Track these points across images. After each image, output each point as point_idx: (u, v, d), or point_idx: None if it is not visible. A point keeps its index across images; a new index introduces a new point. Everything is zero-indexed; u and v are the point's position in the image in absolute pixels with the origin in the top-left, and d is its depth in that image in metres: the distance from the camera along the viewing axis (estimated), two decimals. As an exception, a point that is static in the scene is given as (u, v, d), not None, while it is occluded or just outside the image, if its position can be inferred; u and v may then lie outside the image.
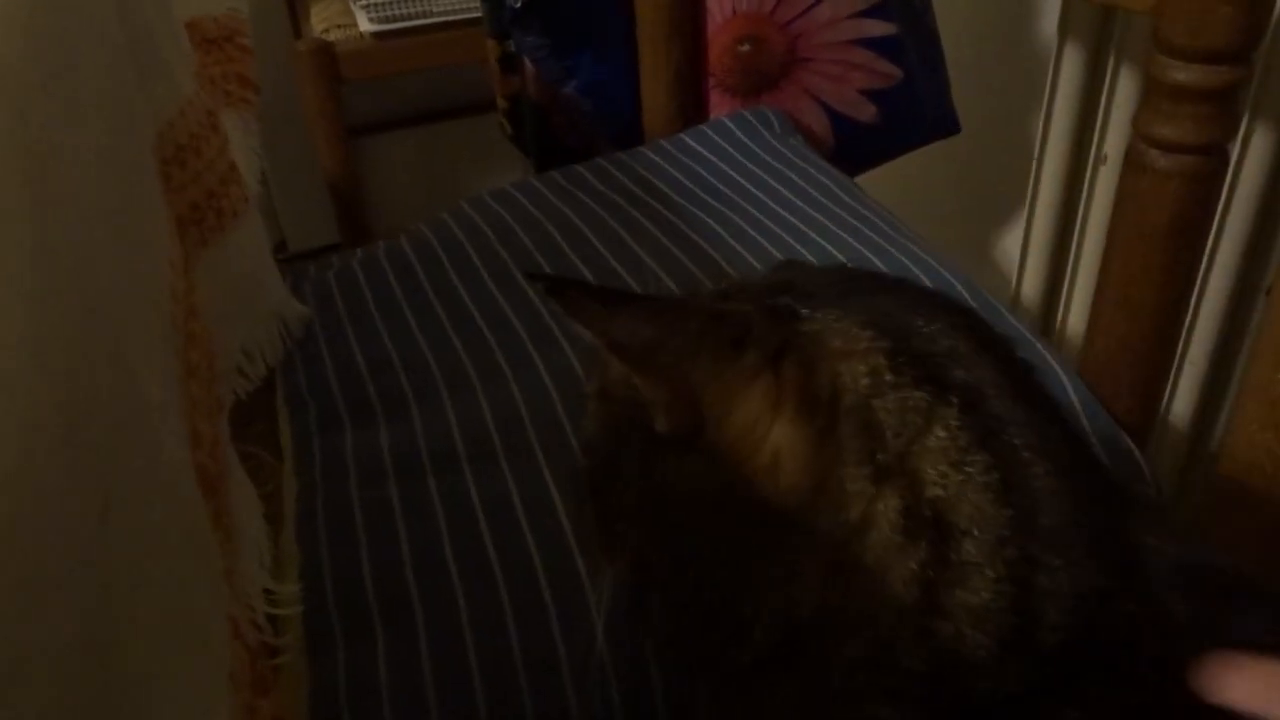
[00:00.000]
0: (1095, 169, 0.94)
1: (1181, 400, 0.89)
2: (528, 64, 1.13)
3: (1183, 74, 0.61)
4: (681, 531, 0.37)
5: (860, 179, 1.03)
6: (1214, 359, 0.86)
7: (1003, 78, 1.14)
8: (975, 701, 0.34)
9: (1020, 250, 1.05)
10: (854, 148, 1.09)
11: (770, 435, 0.35)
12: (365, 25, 1.51)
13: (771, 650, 0.36)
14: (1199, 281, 0.86)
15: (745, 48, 1.06)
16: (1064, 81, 0.93)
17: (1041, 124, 0.97)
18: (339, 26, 1.53)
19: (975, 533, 0.33)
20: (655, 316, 0.35)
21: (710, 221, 0.90)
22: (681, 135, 1.03)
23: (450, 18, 1.49)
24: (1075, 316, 0.99)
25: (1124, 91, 0.88)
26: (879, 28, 1.04)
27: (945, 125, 1.12)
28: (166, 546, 0.29)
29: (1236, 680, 0.30)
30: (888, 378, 0.35)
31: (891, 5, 1.03)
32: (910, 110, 1.09)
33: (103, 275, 0.31)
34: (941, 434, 0.34)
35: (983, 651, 0.33)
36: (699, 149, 1.01)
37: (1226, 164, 0.64)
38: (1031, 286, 1.02)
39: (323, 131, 1.62)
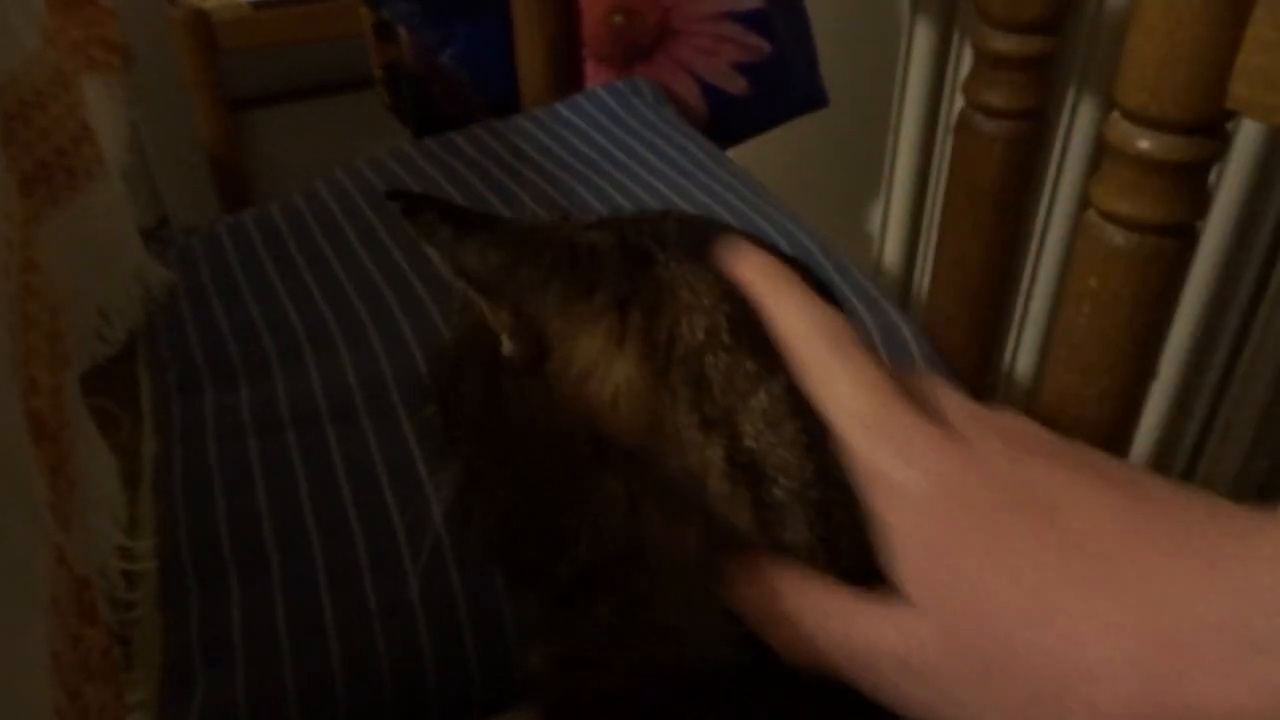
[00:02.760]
0: (945, 138, 0.98)
1: (1024, 358, 0.95)
2: (403, 32, 1.13)
3: (1002, 43, 0.65)
4: (514, 449, 0.39)
5: (732, 151, 1.06)
6: (1052, 317, 0.92)
7: (862, 51, 1.18)
8: None
9: (881, 217, 1.10)
10: (726, 120, 1.12)
11: (611, 372, 0.37)
12: (243, -6, 1.48)
13: (588, 571, 0.38)
14: (1037, 243, 0.91)
15: (618, 19, 1.08)
16: (915, 55, 0.97)
17: (896, 96, 1.01)
18: (216, -6, 1.50)
19: (782, 479, 0.36)
20: (509, 244, 0.36)
21: (582, 190, 0.92)
22: (556, 105, 1.05)
23: (331, -13, 1.47)
24: (930, 277, 1.04)
25: (969, 65, 0.93)
26: (747, 2, 1.07)
27: (814, 99, 1.16)
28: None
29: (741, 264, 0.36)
30: (725, 339, 0.37)
31: (758, -20, 1.06)
32: (780, 84, 1.13)
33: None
34: (763, 398, 0.36)
35: None
36: (573, 118, 1.03)
37: (1046, 129, 0.69)
38: (892, 251, 1.07)
39: (201, 104, 1.59)
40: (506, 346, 0.37)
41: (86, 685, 0.35)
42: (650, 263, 0.38)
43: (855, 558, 0.36)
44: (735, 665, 0.37)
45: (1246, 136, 0.71)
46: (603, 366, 0.37)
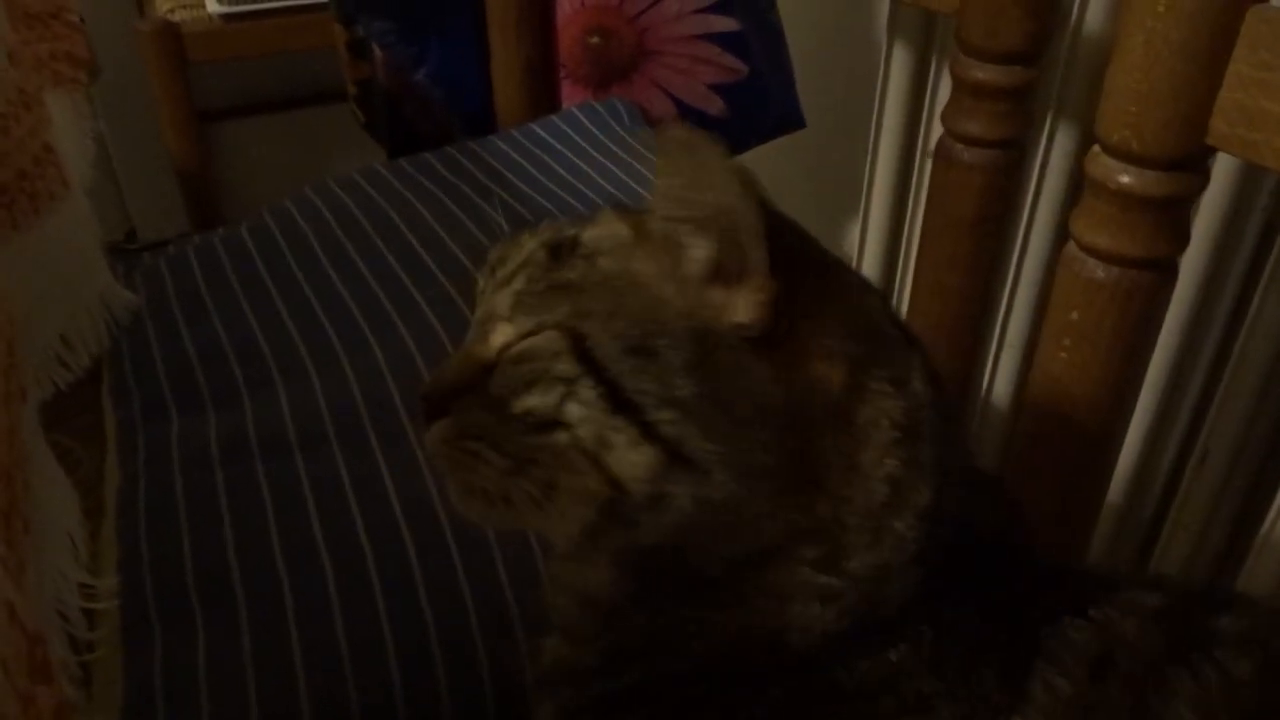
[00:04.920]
0: (923, 163, 0.98)
1: (1001, 386, 0.95)
2: (377, 50, 1.11)
3: (981, 73, 0.65)
4: (736, 423, 0.39)
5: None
6: (1029, 346, 0.92)
7: (841, 75, 1.18)
8: (883, 606, 0.39)
9: (859, 241, 1.09)
10: (703, 140, 1.11)
11: (835, 352, 0.40)
12: (213, 6, 1.46)
13: (764, 549, 0.39)
14: (1014, 269, 0.91)
15: (595, 39, 1.07)
16: (893, 80, 0.97)
17: (874, 120, 1.01)
18: (185, 7, 1.48)
19: (930, 443, 0.40)
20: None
21: (556, 211, 0.91)
22: (532, 125, 1.04)
23: (302, 0, 1.45)
24: (908, 304, 1.04)
25: (946, 90, 0.93)
26: (723, 23, 1.07)
27: (791, 120, 1.15)
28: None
29: None
30: (891, 314, 0.43)
31: (734, 2, 1.06)
32: (757, 105, 1.12)
33: None
34: (917, 364, 0.42)
35: (910, 552, 0.39)
36: (548, 139, 1.02)
37: (1024, 158, 0.69)
38: (869, 274, 1.07)
39: (170, 117, 1.56)
40: (742, 314, 0.39)
41: (40, 746, 0.34)
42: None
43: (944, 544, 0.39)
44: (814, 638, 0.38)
45: (1222, 170, 0.72)
46: (827, 349, 0.39)
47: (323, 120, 1.76)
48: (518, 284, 0.44)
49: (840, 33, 1.19)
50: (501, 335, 0.44)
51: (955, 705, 0.36)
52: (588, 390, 0.40)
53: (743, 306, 0.39)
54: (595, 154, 0.99)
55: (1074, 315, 0.57)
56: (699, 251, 0.40)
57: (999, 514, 0.44)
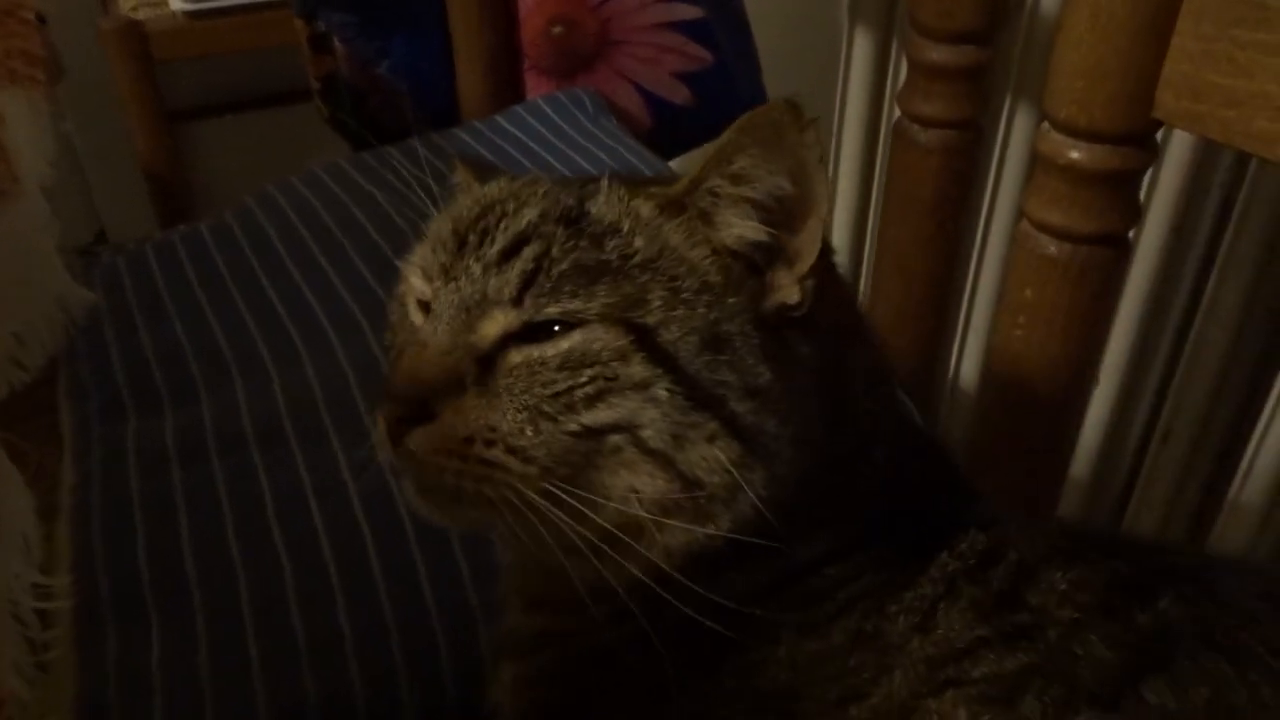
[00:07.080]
0: (886, 145, 0.98)
1: (968, 367, 0.95)
2: (339, 45, 1.11)
3: (935, 53, 0.65)
4: (800, 400, 0.41)
5: (675, 161, 1.05)
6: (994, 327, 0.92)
7: (804, 60, 1.18)
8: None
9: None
10: (670, 129, 1.11)
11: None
12: (178, 4, 1.44)
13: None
14: (978, 253, 0.92)
15: (558, 29, 1.06)
16: (855, 63, 0.97)
17: (838, 105, 1.01)
18: (149, 4, 1.46)
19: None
20: None
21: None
22: (496, 116, 1.03)
23: (267, -4, 1.44)
24: (871, 288, 1.04)
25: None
26: (687, 11, 1.07)
27: (757, 107, 1.15)
28: None
29: None
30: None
31: (697, -11, 1.06)
32: (723, 92, 1.12)
33: None
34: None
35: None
36: (512, 130, 1.01)
37: (982, 140, 0.69)
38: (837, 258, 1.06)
39: (137, 116, 1.55)
40: (795, 296, 0.40)
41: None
42: None
43: None
44: None
45: (1178, 147, 0.72)
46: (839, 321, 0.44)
47: (292, 118, 1.75)
48: (523, 263, 0.38)
49: (802, 18, 1.19)
50: (500, 323, 0.38)
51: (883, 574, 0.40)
52: (664, 390, 0.37)
53: (791, 288, 0.40)
54: (559, 144, 0.98)
55: (1028, 292, 0.57)
56: (761, 186, 0.40)
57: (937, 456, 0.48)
